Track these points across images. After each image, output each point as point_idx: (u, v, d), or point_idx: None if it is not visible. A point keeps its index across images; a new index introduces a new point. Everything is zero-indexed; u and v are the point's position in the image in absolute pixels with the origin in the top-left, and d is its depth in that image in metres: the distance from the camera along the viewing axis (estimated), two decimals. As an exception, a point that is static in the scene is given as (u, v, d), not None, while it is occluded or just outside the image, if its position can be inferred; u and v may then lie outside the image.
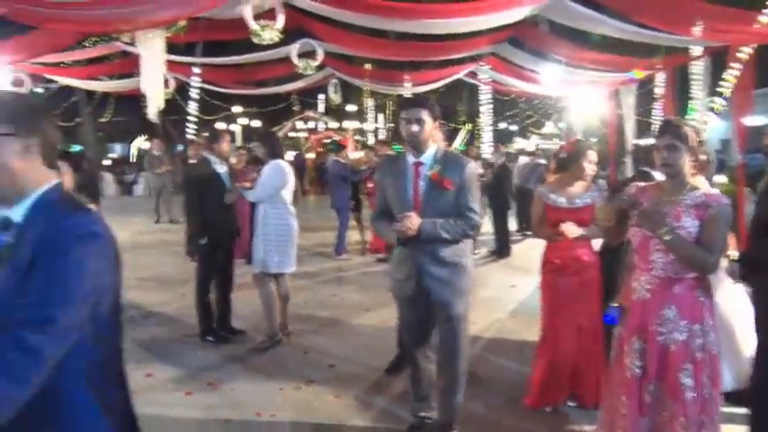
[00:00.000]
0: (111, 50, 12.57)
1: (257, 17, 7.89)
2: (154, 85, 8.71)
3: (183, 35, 9.29)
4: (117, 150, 36.40)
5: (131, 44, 10.05)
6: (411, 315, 4.05)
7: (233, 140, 23.08)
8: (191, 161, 9.82)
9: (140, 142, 29.94)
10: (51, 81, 16.12)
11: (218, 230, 5.97)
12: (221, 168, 6.06)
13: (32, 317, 1.66)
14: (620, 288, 3.32)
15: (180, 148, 22.00)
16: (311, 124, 29.50)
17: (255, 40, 7.95)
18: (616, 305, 3.26)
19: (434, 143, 3.89)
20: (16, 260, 1.72)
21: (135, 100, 18.39)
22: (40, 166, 1.84)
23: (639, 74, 10.98)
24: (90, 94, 22.56)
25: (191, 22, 8.99)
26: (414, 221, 3.69)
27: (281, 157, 6.01)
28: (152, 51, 8.55)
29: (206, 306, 6.07)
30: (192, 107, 14.79)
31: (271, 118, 27.45)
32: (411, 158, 3.88)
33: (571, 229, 4.34)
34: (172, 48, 10.28)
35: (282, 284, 6.00)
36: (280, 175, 5.79)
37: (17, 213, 1.79)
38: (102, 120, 26.53)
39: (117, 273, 1.87)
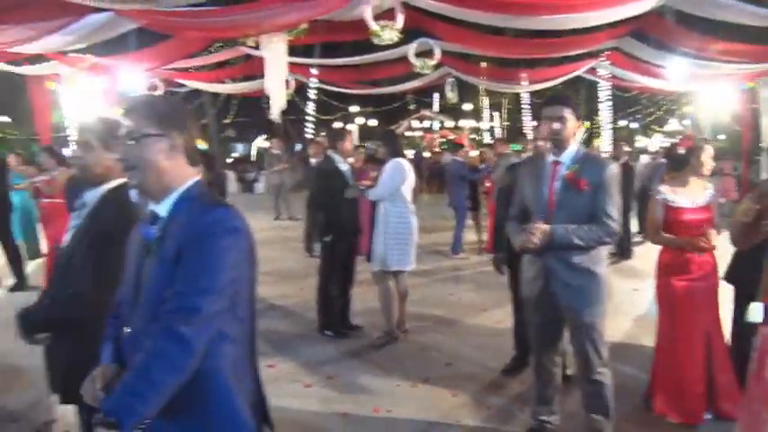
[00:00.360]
0: (236, 54, 13.14)
1: (376, 18, 8.00)
2: (277, 87, 9.04)
3: (303, 37, 9.56)
4: (239, 149, 37.93)
5: (256, 48, 10.46)
6: (537, 317, 3.94)
7: (349, 139, 23.44)
8: (311, 159, 10.09)
9: (260, 141, 31.03)
10: (181, 85, 17.04)
11: (340, 228, 6.11)
12: (344, 166, 6.20)
13: (179, 307, 1.76)
14: (763, 292, 3.10)
15: (298, 147, 22.69)
16: (426, 123, 29.60)
17: (375, 41, 8.06)
18: (762, 304, 3.04)
19: (575, 142, 3.78)
20: (163, 252, 1.84)
21: (256, 101, 19.17)
22: (184, 165, 1.95)
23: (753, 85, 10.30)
24: (215, 96, 23.65)
25: (311, 24, 9.24)
26: (538, 235, 3.59)
27: (402, 156, 6.06)
28: (275, 54, 8.88)
29: (327, 301, 6.20)
30: (310, 107, 15.20)
31: (387, 117, 27.80)
32: (551, 157, 3.78)
33: (714, 234, 4.14)
34: (291, 50, 10.61)
35: (401, 282, 6.05)
36: (400, 174, 5.84)
37: (163, 209, 1.92)
38: (226, 120, 27.80)
39: (253, 265, 1.96)
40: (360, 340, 6.11)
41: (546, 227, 3.59)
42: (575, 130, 3.75)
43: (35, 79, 14.37)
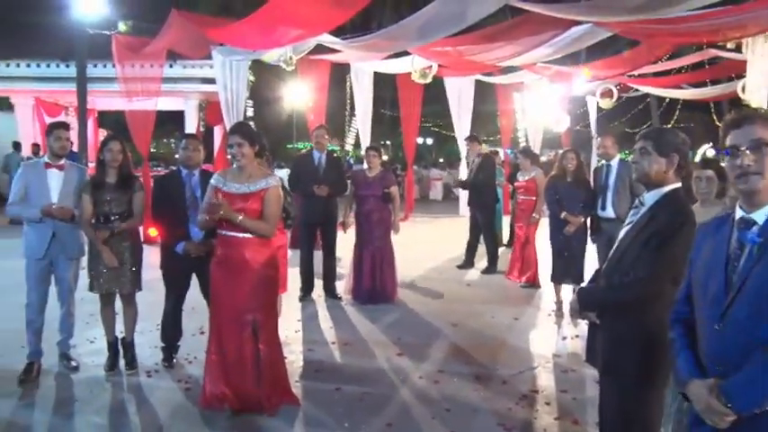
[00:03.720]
0: (702, 58, 12.66)
1: None
2: (758, 90, 8.42)
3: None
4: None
5: (734, 50, 9.91)
6: None
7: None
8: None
9: (706, 149, 29.26)
10: (631, 89, 17.13)
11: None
12: None
13: None
14: None
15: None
16: None
17: None
18: None
19: None
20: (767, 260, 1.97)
21: (703, 107, 18.00)
22: None
23: None
24: (660, 99, 23.02)
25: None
26: None
27: None
28: (760, 56, 8.28)
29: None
30: (773, 113, 13.77)
31: None
32: None
33: None
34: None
35: None
36: None
37: (760, 217, 2.05)
38: (667, 125, 26.90)
39: None
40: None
41: None
42: None
43: (503, 87, 16.06)
